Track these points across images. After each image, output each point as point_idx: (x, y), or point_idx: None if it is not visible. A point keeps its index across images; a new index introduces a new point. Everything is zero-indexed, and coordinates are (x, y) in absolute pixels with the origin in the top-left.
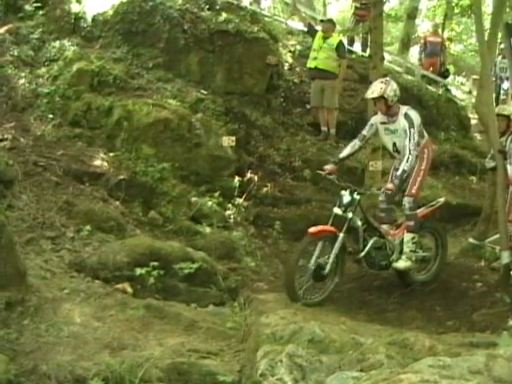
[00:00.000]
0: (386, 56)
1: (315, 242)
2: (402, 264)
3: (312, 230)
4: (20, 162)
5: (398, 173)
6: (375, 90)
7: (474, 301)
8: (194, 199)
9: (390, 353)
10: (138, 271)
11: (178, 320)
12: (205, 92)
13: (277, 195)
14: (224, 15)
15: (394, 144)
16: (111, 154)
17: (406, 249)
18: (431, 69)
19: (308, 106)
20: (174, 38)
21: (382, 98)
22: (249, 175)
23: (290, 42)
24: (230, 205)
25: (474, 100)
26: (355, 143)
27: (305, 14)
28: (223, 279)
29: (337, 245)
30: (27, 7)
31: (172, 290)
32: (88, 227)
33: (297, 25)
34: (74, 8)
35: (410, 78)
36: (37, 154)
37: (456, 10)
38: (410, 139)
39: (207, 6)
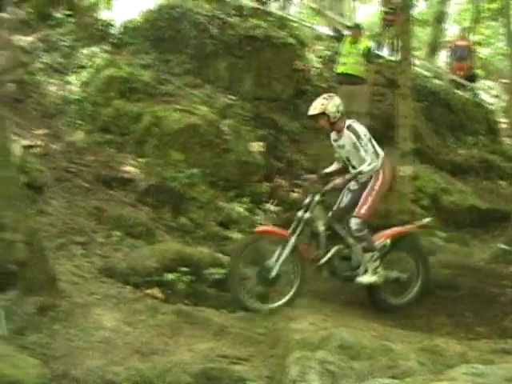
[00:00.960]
0: (415, 61)
1: (261, 243)
2: (365, 279)
3: (257, 228)
4: (51, 168)
5: (354, 170)
6: (316, 106)
7: (505, 306)
8: (222, 204)
9: (421, 359)
10: (168, 276)
11: (208, 325)
12: (233, 97)
13: None
14: (252, 21)
15: (348, 159)
16: (140, 160)
17: (369, 267)
18: (460, 73)
19: None
20: (202, 43)
21: (323, 114)
22: (277, 180)
23: (318, 47)
24: (258, 210)
25: (502, 104)
26: (335, 163)
27: (332, 20)
28: None
29: (287, 248)
30: (57, 15)
31: (201, 295)
32: (118, 232)
33: (324, 30)
34: (103, 15)
35: (438, 82)
36: (67, 160)
37: (485, 14)
38: (364, 150)
39: (234, 12)
